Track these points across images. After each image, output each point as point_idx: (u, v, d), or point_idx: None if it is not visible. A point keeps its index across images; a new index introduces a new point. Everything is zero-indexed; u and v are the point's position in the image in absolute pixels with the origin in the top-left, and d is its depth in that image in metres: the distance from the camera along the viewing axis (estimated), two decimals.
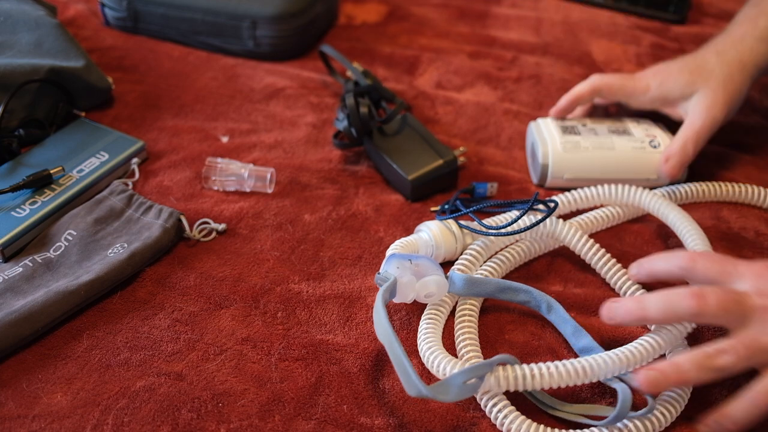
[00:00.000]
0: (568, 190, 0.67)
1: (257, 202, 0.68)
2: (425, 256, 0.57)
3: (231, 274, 0.61)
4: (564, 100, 0.71)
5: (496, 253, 0.61)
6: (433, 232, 0.60)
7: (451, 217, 0.61)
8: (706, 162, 0.73)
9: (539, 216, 0.60)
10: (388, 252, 0.58)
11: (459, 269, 0.58)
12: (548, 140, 0.69)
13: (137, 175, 0.70)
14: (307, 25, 0.87)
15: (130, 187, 0.68)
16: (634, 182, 0.67)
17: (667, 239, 0.65)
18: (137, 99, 0.80)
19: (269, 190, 0.69)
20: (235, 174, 0.68)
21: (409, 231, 0.65)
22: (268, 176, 0.68)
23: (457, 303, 0.57)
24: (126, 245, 0.61)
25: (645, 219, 0.67)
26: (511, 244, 0.62)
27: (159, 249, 0.61)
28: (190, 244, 0.63)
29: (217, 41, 0.86)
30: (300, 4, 0.84)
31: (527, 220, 0.60)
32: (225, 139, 0.75)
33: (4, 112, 0.69)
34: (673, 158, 0.67)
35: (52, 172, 0.65)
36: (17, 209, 0.63)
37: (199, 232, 0.64)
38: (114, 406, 0.51)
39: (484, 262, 0.60)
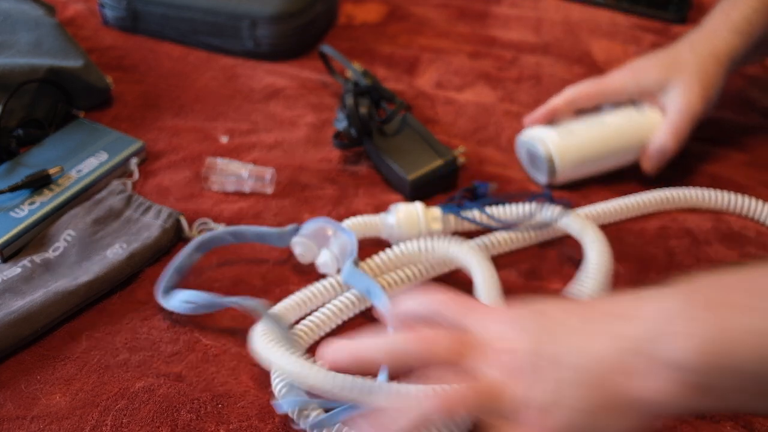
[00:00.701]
0: (580, 183, 0.69)
1: (257, 202, 0.67)
2: (350, 234, 0.58)
3: (230, 275, 0.61)
4: (539, 113, 0.71)
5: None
6: (397, 215, 0.61)
7: (455, 211, 0.62)
8: (706, 162, 0.73)
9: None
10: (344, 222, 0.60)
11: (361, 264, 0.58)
12: (543, 137, 0.69)
13: (136, 175, 0.69)
14: (307, 25, 0.86)
15: (130, 187, 0.67)
16: (636, 150, 0.69)
17: (668, 239, 0.65)
18: (137, 99, 0.80)
19: (269, 191, 0.69)
20: (235, 174, 0.68)
21: None
22: (268, 176, 0.68)
23: None
24: (125, 246, 0.61)
25: (647, 219, 0.67)
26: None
27: (158, 249, 0.61)
28: None
29: (217, 41, 0.86)
30: (300, 4, 0.84)
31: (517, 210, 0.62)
32: (225, 139, 0.75)
33: (3, 112, 0.69)
34: (654, 158, 0.68)
35: (50, 172, 0.65)
36: (16, 209, 0.63)
37: (199, 232, 0.64)
38: (113, 406, 0.51)
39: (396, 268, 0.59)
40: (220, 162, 0.69)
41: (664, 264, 0.63)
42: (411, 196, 0.68)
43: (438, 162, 0.68)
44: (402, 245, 0.58)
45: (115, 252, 0.60)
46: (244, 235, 0.60)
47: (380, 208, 0.67)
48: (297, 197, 0.68)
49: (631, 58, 0.90)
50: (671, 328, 0.38)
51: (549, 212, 0.61)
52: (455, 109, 0.81)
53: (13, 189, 0.64)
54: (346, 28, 0.94)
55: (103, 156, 0.69)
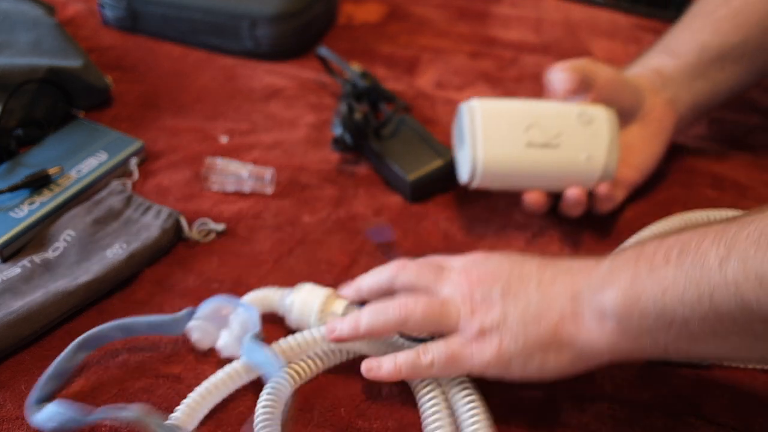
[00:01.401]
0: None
1: (256, 202, 0.67)
2: (251, 309, 0.54)
3: (230, 276, 0.60)
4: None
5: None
6: (294, 297, 0.55)
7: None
8: (707, 162, 0.73)
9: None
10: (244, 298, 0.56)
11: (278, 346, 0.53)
12: (471, 101, 0.63)
13: (136, 175, 0.69)
14: (307, 24, 0.86)
15: (129, 187, 0.67)
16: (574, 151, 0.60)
17: None
18: (136, 99, 0.80)
19: (269, 191, 0.68)
20: (235, 174, 0.68)
21: (408, 232, 0.65)
22: (268, 177, 0.68)
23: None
24: (125, 246, 0.61)
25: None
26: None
27: (158, 250, 0.61)
28: (189, 245, 0.63)
29: (217, 41, 0.86)
30: (299, 4, 0.84)
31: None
32: (224, 139, 0.75)
33: (3, 113, 0.69)
34: (606, 202, 0.63)
35: (50, 172, 0.65)
36: (15, 209, 0.63)
37: (198, 232, 0.64)
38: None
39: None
40: (220, 162, 0.69)
41: None
42: (412, 197, 0.68)
43: (438, 162, 0.68)
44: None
45: (115, 252, 0.60)
46: (134, 328, 0.54)
47: (380, 209, 0.67)
48: (297, 197, 0.68)
49: (632, 58, 0.90)
50: (609, 281, 0.45)
51: None
52: (455, 109, 0.81)
53: (12, 189, 0.64)
54: (346, 28, 0.94)
55: (103, 156, 0.69)
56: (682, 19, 0.68)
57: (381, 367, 0.50)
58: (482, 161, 0.59)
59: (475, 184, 0.61)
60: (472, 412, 0.48)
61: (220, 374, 0.51)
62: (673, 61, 0.66)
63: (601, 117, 0.61)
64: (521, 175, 0.60)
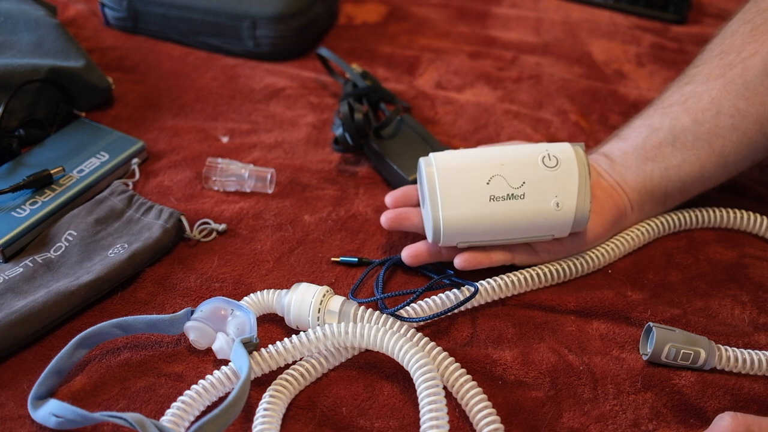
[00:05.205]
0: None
1: (257, 202, 0.68)
2: (248, 312, 0.54)
3: (231, 275, 0.61)
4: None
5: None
6: (291, 296, 0.56)
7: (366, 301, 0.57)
8: None
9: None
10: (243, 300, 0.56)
11: (255, 357, 0.52)
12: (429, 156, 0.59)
13: (137, 175, 0.70)
14: (307, 25, 0.87)
15: (131, 187, 0.68)
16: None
17: (665, 241, 0.65)
18: (137, 99, 0.80)
19: (269, 191, 0.69)
20: (236, 174, 0.68)
21: (408, 232, 0.65)
22: (269, 177, 0.68)
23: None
24: (126, 245, 0.61)
25: None
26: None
27: (159, 249, 0.61)
28: (190, 245, 0.63)
29: (217, 41, 0.86)
30: (300, 4, 0.84)
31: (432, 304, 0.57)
32: (225, 140, 0.75)
33: (5, 112, 0.69)
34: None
35: (52, 172, 0.65)
36: (17, 209, 0.63)
37: (200, 232, 0.64)
38: (114, 406, 0.51)
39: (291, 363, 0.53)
40: (221, 162, 0.69)
41: (662, 265, 0.63)
42: None
43: None
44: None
45: (117, 252, 0.60)
46: (133, 326, 0.54)
47: (380, 209, 0.67)
48: (297, 197, 0.68)
49: (631, 58, 0.90)
50: None
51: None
52: (455, 109, 0.81)
53: (14, 189, 0.64)
54: (346, 28, 0.94)
55: (104, 156, 0.69)
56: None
57: None
58: (443, 222, 0.56)
59: (441, 244, 0.58)
60: (485, 411, 0.49)
61: (210, 378, 0.51)
62: (621, 144, 0.64)
63: (568, 156, 0.57)
64: (489, 231, 0.57)
